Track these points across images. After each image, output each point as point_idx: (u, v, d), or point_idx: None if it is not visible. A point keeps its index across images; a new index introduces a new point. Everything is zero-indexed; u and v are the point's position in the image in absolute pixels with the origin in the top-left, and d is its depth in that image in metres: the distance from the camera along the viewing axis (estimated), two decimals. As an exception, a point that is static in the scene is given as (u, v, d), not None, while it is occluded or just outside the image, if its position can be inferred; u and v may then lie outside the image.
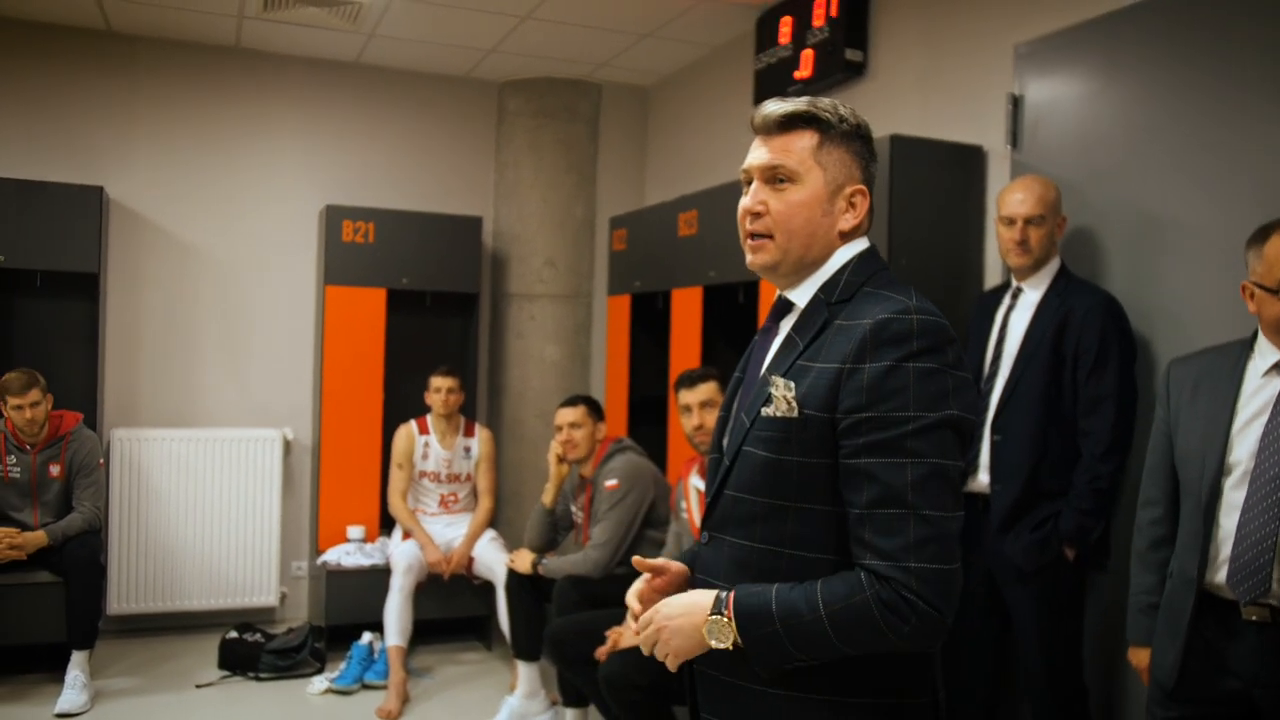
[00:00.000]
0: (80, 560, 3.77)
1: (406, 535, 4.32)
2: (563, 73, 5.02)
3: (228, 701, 3.87)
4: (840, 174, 1.39)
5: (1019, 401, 2.55)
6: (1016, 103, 2.93)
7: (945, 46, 3.27)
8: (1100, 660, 2.62)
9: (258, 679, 4.06)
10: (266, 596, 4.69)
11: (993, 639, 2.70)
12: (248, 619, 4.56)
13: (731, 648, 1.30)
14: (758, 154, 1.41)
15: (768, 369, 1.39)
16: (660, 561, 1.48)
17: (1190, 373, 2.07)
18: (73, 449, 3.95)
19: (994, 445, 2.58)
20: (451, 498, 4.45)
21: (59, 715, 3.60)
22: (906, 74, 3.43)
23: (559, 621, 3.28)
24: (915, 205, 2.94)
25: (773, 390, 1.34)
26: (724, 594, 1.32)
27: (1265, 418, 1.90)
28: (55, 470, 3.92)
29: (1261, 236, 1.93)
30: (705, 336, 3.89)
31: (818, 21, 3.64)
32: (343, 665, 4.06)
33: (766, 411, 1.34)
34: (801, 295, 1.40)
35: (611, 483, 3.51)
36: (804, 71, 3.71)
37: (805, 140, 1.38)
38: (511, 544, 4.31)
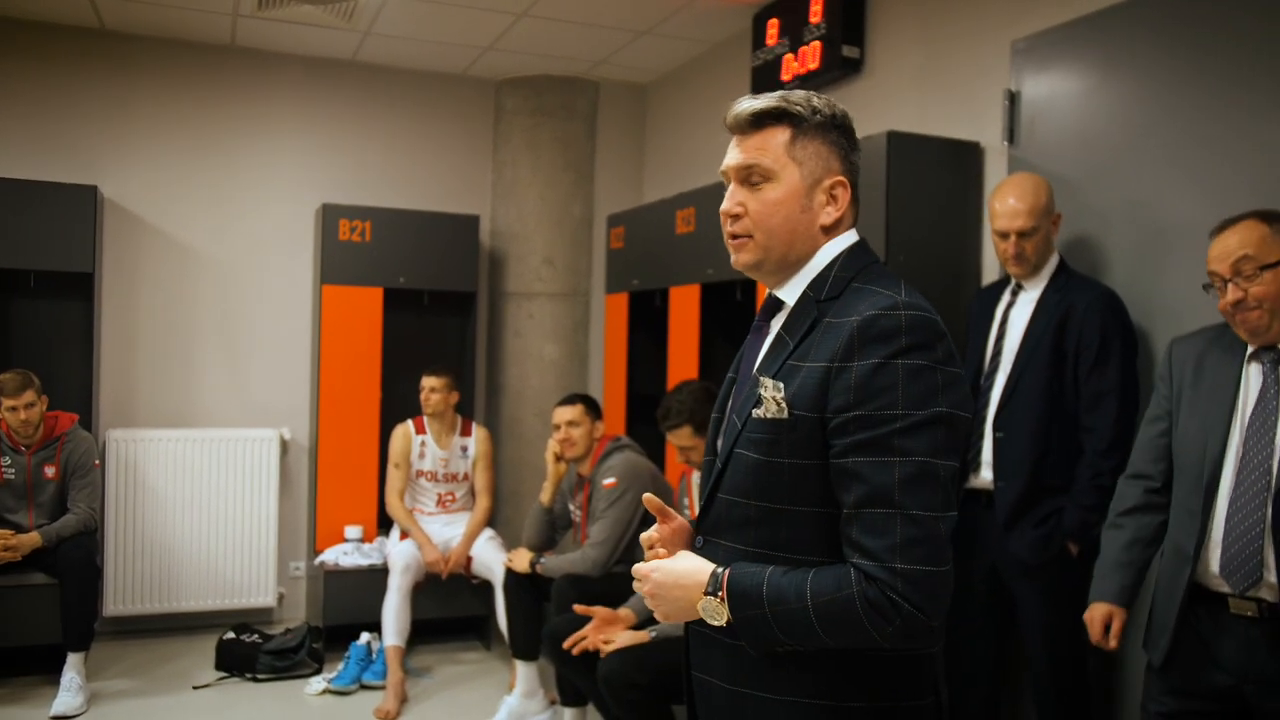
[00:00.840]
0: (75, 562, 3.75)
1: (404, 535, 4.30)
2: (560, 70, 5.01)
3: (225, 703, 3.85)
4: (817, 167, 1.36)
5: (1021, 398, 2.55)
6: (1013, 99, 2.92)
7: (942, 42, 3.26)
8: (1100, 654, 2.61)
9: (255, 680, 4.05)
10: (264, 597, 4.68)
11: (996, 634, 2.70)
12: (245, 620, 4.55)
13: (725, 624, 1.30)
14: (733, 155, 1.39)
15: (758, 369, 1.36)
16: (666, 506, 1.45)
17: (1192, 351, 2.06)
18: (68, 450, 3.93)
19: (996, 442, 2.58)
20: (449, 497, 4.44)
21: (55, 718, 3.58)
22: (904, 70, 3.42)
23: (557, 620, 3.27)
24: (912, 202, 2.93)
25: (762, 391, 1.32)
26: (720, 572, 1.31)
27: (1251, 408, 1.92)
28: (50, 471, 3.91)
29: (1214, 231, 1.97)
30: (703, 334, 3.88)
31: (814, 18, 3.63)
32: (341, 666, 4.05)
33: (757, 413, 1.32)
34: (790, 293, 1.38)
35: (609, 481, 3.50)
36: (801, 68, 3.70)
37: (779, 137, 1.36)
38: (509, 543, 4.29)
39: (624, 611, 3.05)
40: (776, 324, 1.40)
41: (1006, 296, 2.68)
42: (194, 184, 4.74)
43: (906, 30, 3.41)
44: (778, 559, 1.31)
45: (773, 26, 3.86)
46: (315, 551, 4.54)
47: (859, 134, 1.44)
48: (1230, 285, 1.90)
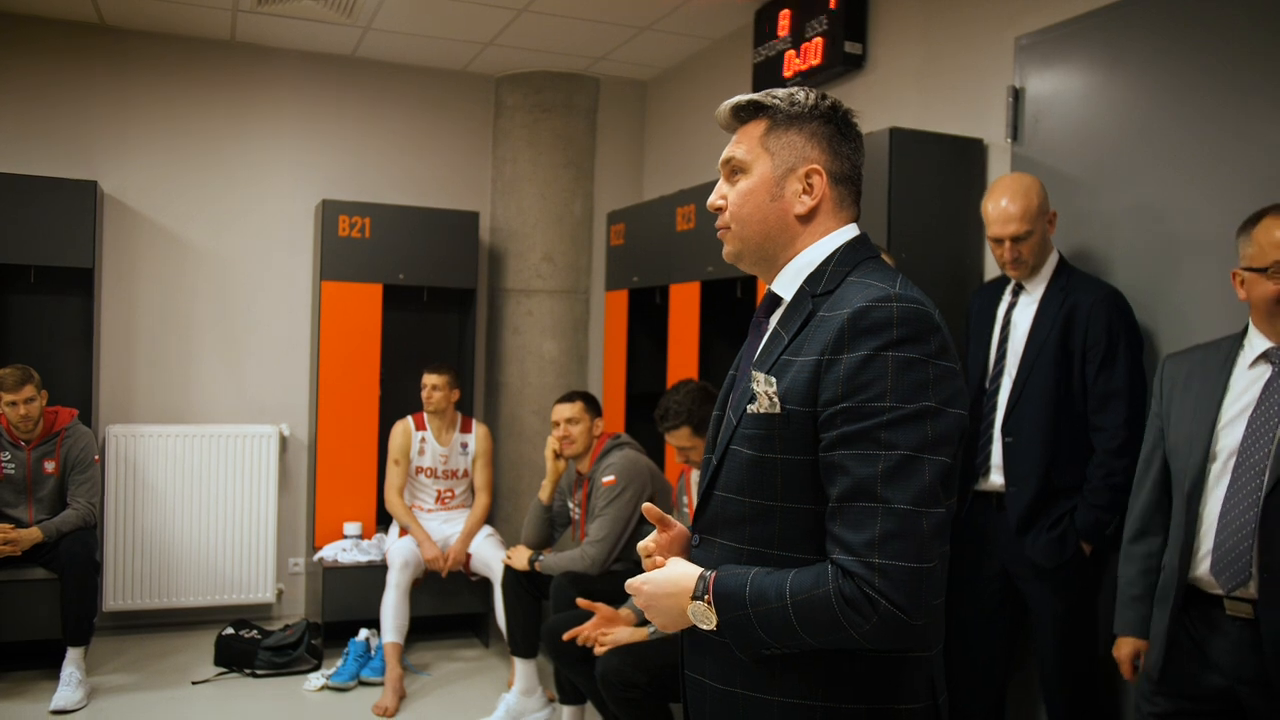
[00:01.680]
0: (75, 557, 3.75)
1: (403, 532, 4.30)
2: (560, 66, 5.00)
3: (224, 698, 3.85)
4: (790, 156, 1.36)
5: (1028, 401, 2.52)
6: (1017, 95, 2.91)
7: (945, 38, 3.24)
8: (1111, 653, 2.61)
9: (254, 675, 4.05)
10: (263, 593, 4.68)
11: (1005, 636, 2.68)
12: (244, 616, 4.55)
13: (714, 629, 1.29)
14: (725, 151, 1.43)
15: (753, 365, 1.35)
16: (664, 514, 1.45)
17: (1182, 368, 2.08)
18: (67, 445, 3.93)
19: (1006, 447, 2.56)
20: (448, 494, 4.43)
21: (54, 712, 3.58)
22: (906, 66, 3.40)
23: (556, 618, 3.26)
24: (915, 199, 2.92)
25: (755, 386, 1.31)
26: (707, 576, 1.30)
27: (1253, 408, 1.91)
28: (50, 467, 3.90)
29: (1252, 222, 1.94)
30: (703, 331, 3.87)
31: (816, 14, 3.61)
32: (339, 662, 4.05)
33: (751, 409, 1.31)
34: (787, 288, 1.37)
35: (609, 479, 3.49)
36: (802, 64, 3.68)
37: (756, 129, 1.38)
38: (509, 540, 4.29)
39: (625, 611, 3.04)
40: (774, 320, 1.39)
41: (1008, 297, 2.65)
42: (193, 179, 4.73)
43: (909, 26, 3.39)
44: (772, 556, 1.29)
45: (775, 22, 3.84)
46: (314, 548, 4.54)
47: (862, 130, 1.43)
48: (1264, 277, 1.88)
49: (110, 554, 4.43)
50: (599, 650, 2.93)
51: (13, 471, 3.86)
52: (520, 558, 3.62)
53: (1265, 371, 1.93)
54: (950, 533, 1.33)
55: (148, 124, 4.65)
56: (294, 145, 4.88)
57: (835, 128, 1.38)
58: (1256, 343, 1.96)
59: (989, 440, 2.60)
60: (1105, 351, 2.43)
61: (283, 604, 4.82)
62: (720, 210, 1.41)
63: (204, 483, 4.60)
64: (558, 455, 3.69)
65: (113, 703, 3.74)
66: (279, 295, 4.85)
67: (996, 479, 2.59)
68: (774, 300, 1.40)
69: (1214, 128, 2.38)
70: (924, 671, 1.31)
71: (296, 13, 4.28)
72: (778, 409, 1.27)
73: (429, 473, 4.39)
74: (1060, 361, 2.48)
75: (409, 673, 4.09)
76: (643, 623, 2.97)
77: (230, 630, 4.20)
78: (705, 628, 1.30)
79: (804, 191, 1.36)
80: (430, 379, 4.33)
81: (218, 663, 4.11)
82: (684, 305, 3.98)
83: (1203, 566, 1.93)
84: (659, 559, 1.42)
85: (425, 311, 4.96)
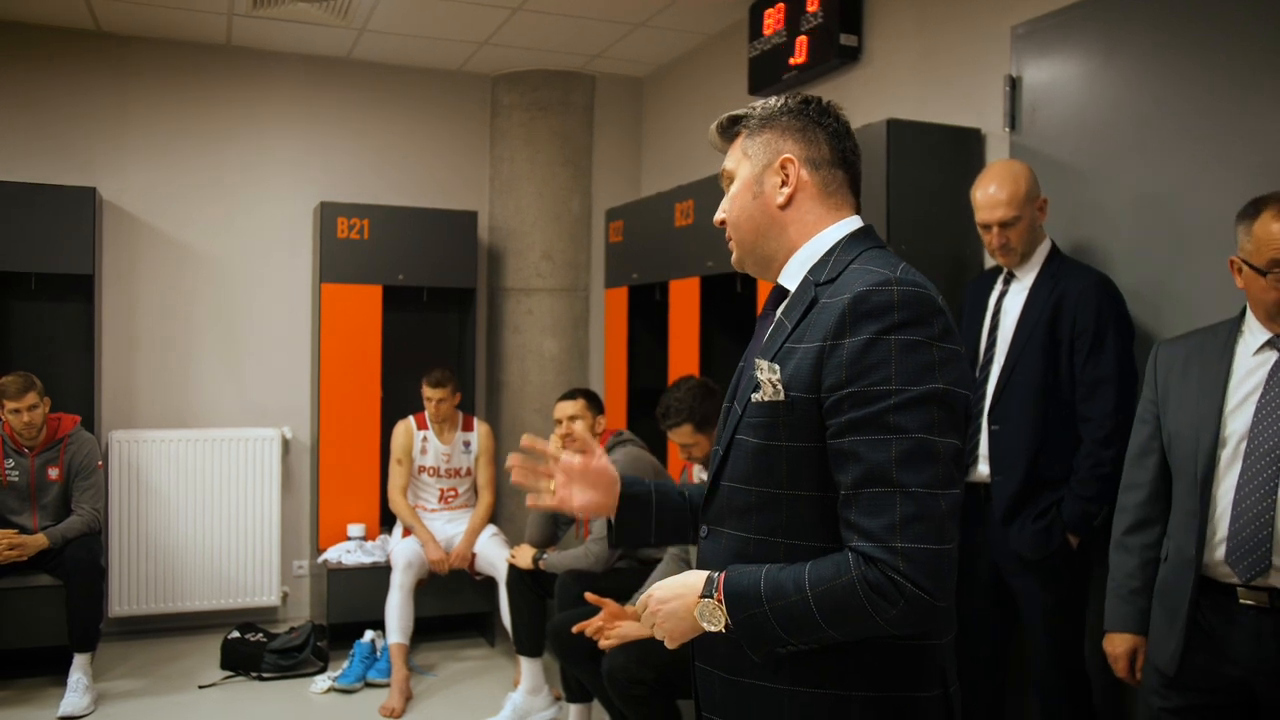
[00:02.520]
0: (80, 563, 3.75)
1: (407, 532, 4.30)
2: (556, 65, 4.99)
3: (231, 702, 3.85)
4: (765, 154, 1.41)
5: (1016, 389, 2.50)
6: (1014, 84, 2.90)
7: (941, 28, 3.24)
8: (1100, 646, 2.60)
9: (260, 679, 4.05)
10: (268, 596, 4.68)
11: (998, 628, 2.67)
12: (249, 619, 4.56)
13: (724, 630, 1.28)
14: None
15: (759, 354, 1.36)
16: (540, 444, 1.57)
17: (1179, 353, 2.05)
18: (71, 451, 3.93)
19: (992, 435, 2.54)
20: (451, 493, 4.43)
21: (62, 718, 3.59)
22: (902, 57, 3.39)
23: (561, 616, 3.26)
24: (913, 190, 2.91)
25: (758, 374, 1.32)
26: (715, 575, 1.30)
27: (1259, 394, 1.89)
28: (54, 473, 3.90)
29: (1253, 212, 1.89)
30: (703, 327, 3.86)
31: (811, 7, 3.61)
32: (345, 664, 4.05)
33: (755, 397, 1.32)
34: (792, 279, 1.39)
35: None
36: (799, 58, 3.68)
37: (739, 141, 1.45)
38: (512, 540, 4.29)
39: (630, 608, 3.04)
40: (780, 310, 1.40)
41: (999, 286, 2.64)
42: (192, 184, 4.73)
43: (904, 17, 3.39)
44: (779, 545, 1.29)
45: (770, 17, 3.84)
46: (318, 550, 4.54)
47: (858, 123, 1.45)
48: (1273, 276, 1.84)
49: (115, 559, 4.44)
50: (604, 645, 2.92)
51: (16, 479, 3.87)
52: (524, 556, 3.62)
53: (1270, 357, 1.91)
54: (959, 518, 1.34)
55: (145, 129, 4.65)
56: (291, 148, 4.88)
57: (806, 119, 1.41)
58: (1258, 331, 1.93)
59: (977, 429, 2.57)
60: (1093, 339, 2.40)
61: (288, 607, 4.82)
62: (724, 224, 1.47)
63: (207, 487, 4.60)
64: (560, 453, 3.68)
65: (120, 708, 3.74)
66: (279, 298, 4.85)
67: (983, 469, 2.56)
68: (781, 293, 1.41)
69: (1211, 115, 2.37)
70: (935, 660, 1.31)
71: (291, 16, 4.28)
72: (782, 396, 1.28)
73: (432, 472, 4.39)
74: (1048, 349, 2.46)
75: (415, 673, 4.09)
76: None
77: (236, 634, 4.20)
78: (713, 628, 1.28)
79: (782, 183, 1.39)
80: (436, 393, 4.30)
81: (224, 666, 4.12)
82: (684, 301, 3.97)
83: (1218, 555, 1.89)
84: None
85: (425, 312, 4.96)
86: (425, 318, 4.99)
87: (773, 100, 1.44)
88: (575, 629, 3.00)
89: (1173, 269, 2.46)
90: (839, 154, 1.40)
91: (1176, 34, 2.46)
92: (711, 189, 3.74)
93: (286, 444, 4.80)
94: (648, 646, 2.86)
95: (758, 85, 3.91)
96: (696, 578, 1.32)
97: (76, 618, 3.73)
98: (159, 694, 3.89)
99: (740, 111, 1.45)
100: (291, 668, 4.08)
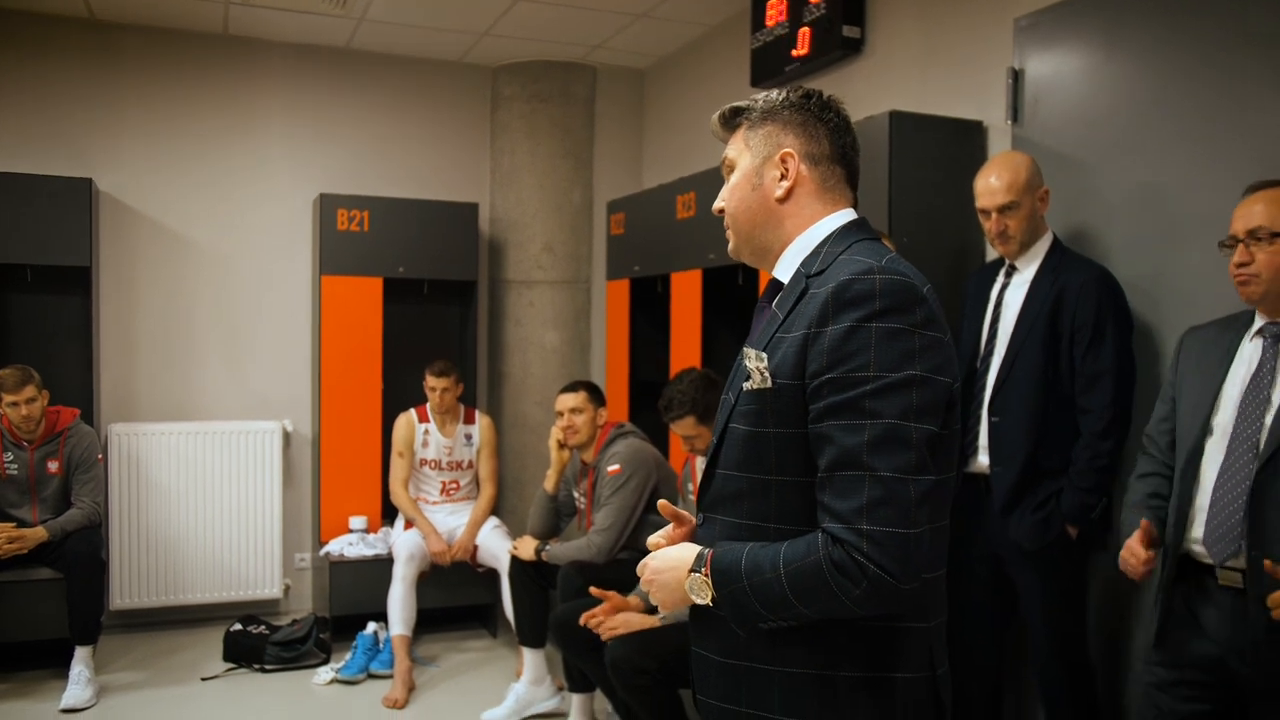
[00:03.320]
0: (81, 556, 3.75)
1: (409, 524, 4.30)
2: (557, 55, 4.97)
3: (233, 694, 3.86)
4: (765, 146, 1.43)
5: (1016, 381, 2.52)
6: (1017, 77, 2.89)
7: (944, 21, 3.23)
8: (1102, 636, 2.61)
9: (263, 671, 4.06)
10: (270, 589, 4.68)
11: (999, 619, 2.68)
12: (252, 611, 4.56)
13: (710, 603, 1.32)
14: None
15: (751, 344, 1.40)
16: (679, 510, 1.52)
17: (1197, 341, 2.11)
18: (70, 445, 3.92)
19: (992, 426, 2.55)
20: (453, 485, 4.43)
21: (64, 710, 3.59)
22: (905, 49, 3.38)
23: (564, 607, 3.27)
24: (915, 182, 2.91)
25: (747, 363, 1.35)
26: (705, 551, 1.35)
27: (1247, 383, 1.95)
28: (54, 467, 3.90)
29: (1244, 194, 1.98)
30: (705, 319, 3.86)
31: (814, -2, 3.60)
32: (348, 655, 4.06)
33: (745, 386, 1.35)
34: (786, 271, 1.42)
35: (614, 468, 3.49)
36: (801, 49, 3.67)
37: (740, 132, 1.48)
38: (515, 531, 4.29)
39: (633, 599, 3.04)
40: (774, 302, 1.44)
41: (1001, 278, 2.65)
42: (190, 175, 4.71)
43: (907, 9, 3.38)
44: (770, 530, 1.33)
45: (772, 8, 3.82)
46: (320, 543, 4.54)
47: (861, 115, 1.47)
48: (1240, 247, 1.94)
49: (116, 553, 4.43)
50: (606, 636, 2.93)
51: (16, 472, 3.86)
52: (527, 548, 3.63)
53: (1258, 345, 1.96)
54: (950, 507, 1.35)
55: (142, 120, 4.63)
56: (290, 139, 4.86)
57: (808, 114, 1.43)
58: (1259, 318, 1.99)
59: (977, 420, 2.59)
60: (1093, 332, 2.42)
61: (290, 599, 4.83)
62: (722, 213, 1.49)
63: (208, 480, 4.59)
64: (562, 445, 3.69)
65: (122, 700, 3.75)
66: (279, 290, 4.84)
67: (983, 459, 2.58)
68: (776, 285, 1.45)
69: (1212, 109, 2.37)
70: (923, 642, 1.34)
71: (289, 4, 4.26)
72: (769, 384, 1.32)
73: (433, 464, 4.39)
74: (1049, 342, 2.48)
75: (418, 665, 4.10)
76: (652, 609, 2.98)
77: (238, 626, 4.21)
78: (701, 601, 1.34)
79: (781, 176, 1.42)
80: (440, 383, 4.31)
81: (226, 659, 4.13)
82: (686, 293, 3.97)
83: (1196, 535, 1.96)
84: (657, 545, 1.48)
85: (426, 304, 4.95)
86: (426, 310, 4.98)
87: (775, 93, 1.45)
88: (583, 619, 3.01)
89: (1172, 262, 2.47)
90: (838, 150, 1.43)
91: (1178, 28, 2.46)
92: (713, 181, 3.72)
93: (287, 437, 4.80)
94: (651, 637, 2.88)
95: (760, 77, 3.90)
96: (690, 551, 1.37)
97: (77, 611, 3.73)
98: (161, 686, 3.90)
99: (743, 103, 1.47)
100: (294, 660, 4.09)
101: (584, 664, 3.20)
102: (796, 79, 3.73)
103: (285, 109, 4.85)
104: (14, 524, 3.77)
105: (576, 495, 3.77)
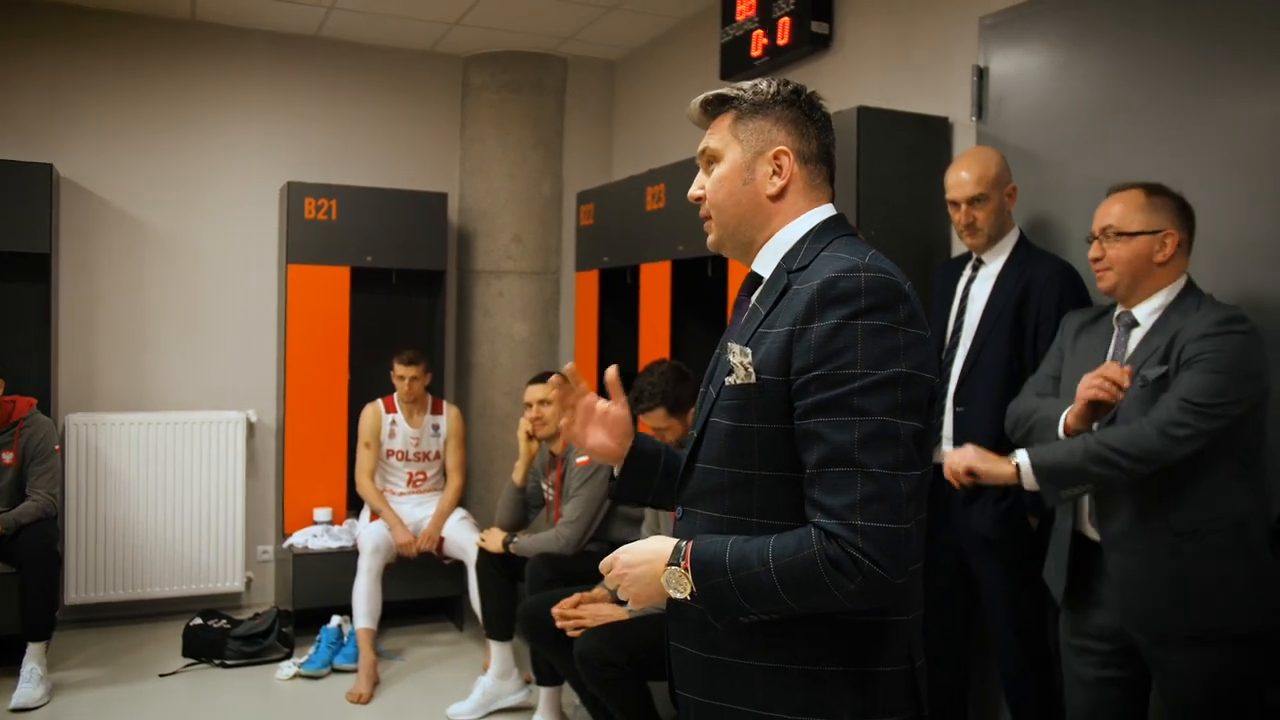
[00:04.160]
0: (35, 549, 3.67)
1: (374, 516, 4.27)
2: (528, 46, 4.95)
3: (193, 690, 3.80)
4: (759, 140, 1.41)
5: (981, 372, 2.56)
6: (981, 74, 2.93)
7: (911, 18, 3.25)
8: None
9: (224, 666, 4.00)
10: (232, 582, 4.62)
11: (962, 608, 2.72)
12: (212, 605, 4.49)
13: (689, 597, 1.31)
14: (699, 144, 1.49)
15: (733, 339, 1.39)
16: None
17: (1076, 322, 2.28)
18: (26, 435, 3.84)
19: (957, 417, 2.59)
20: (420, 476, 4.40)
21: (14, 710, 3.51)
22: (872, 46, 3.41)
23: (532, 600, 3.25)
24: (883, 176, 2.94)
25: (731, 358, 1.35)
26: (683, 544, 1.33)
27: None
28: (8, 457, 3.81)
29: (1107, 194, 2.17)
30: (674, 310, 3.86)
31: (785, -8, 3.61)
32: (311, 649, 4.01)
33: (728, 380, 1.35)
34: (766, 267, 1.42)
35: (583, 459, 3.48)
36: (770, 44, 3.68)
37: (726, 120, 1.44)
38: (482, 523, 4.27)
39: (599, 591, 3.04)
40: (754, 298, 1.43)
41: (968, 271, 2.69)
42: (155, 162, 4.63)
43: (875, 6, 3.40)
44: (751, 525, 1.33)
45: (742, 2, 3.83)
46: (284, 535, 4.49)
47: (829, 109, 1.48)
48: (1094, 243, 2.14)
49: (72, 546, 4.35)
50: (572, 633, 2.91)
51: (-30, 462, 3.77)
52: (494, 540, 3.61)
53: (1116, 332, 2.15)
54: (925, 499, 1.36)
55: (106, 105, 4.54)
56: (258, 127, 4.79)
57: (799, 110, 1.43)
58: (1118, 306, 2.18)
59: (941, 410, 2.63)
60: (1056, 325, 2.45)
61: (252, 592, 4.77)
62: (700, 200, 1.46)
63: (169, 471, 4.52)
64: (531, 436, 3.68)
65: (76, 699, 3.68)
66: (244, 279, 4.78)
67: (947, 449, 2.59)
68: (755, 279, 1.45)
69: (1174, 106, 2.41)
70: (902, 635, 1.34)
71: (257, -9, 4.21)
72: (753, 379, 1.32)
73: (400, 455, 4.36)
74: (1014, 335, 2.52)
75: (383, 658, 4.06)
76: (622, 601, 2.97)
77: (198, 620, 4.15)
78: (678, 595, 1.32)
79: (774, 173, 1.41)
80: (408, 371, 4.28)
81: (186, 654, 4.06)
82: (655, 285, 3.97)
83: (1084, 515, 2.11)
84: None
85: (394, 294, 4.91)
86: (394, 300, 4.94)
87: (764, 84, 1.43)
88: (555, 610, 2.99)
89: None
90: (824, 149, 1.44)
91: (1140, 28, 2.50)
92: (683, 173, 3.74)
93: (251, 427, 4.74)
94: (619, 629, 2.87)
95: (729, 71, 3.91)
96: (665, 544, 1.36)
97: (30, 606, 3.64)
98: (118, 683, 3.83)
99: (731, 92, 1.44)
100: (256, 654, 4.04)
101: (552, 657, 3.19)
102: (766, 73, 3.74)
103: (253, 96, 4.78)
104: (-33, 515, 3.69)
105: (545, 487, 3.76)
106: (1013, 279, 2.55)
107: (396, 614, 4.37)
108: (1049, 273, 2.50)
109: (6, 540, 3.69)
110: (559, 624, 2.96)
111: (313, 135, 4.88)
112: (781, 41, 3.63)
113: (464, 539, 4.17)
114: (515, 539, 3.56)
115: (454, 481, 4.40)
